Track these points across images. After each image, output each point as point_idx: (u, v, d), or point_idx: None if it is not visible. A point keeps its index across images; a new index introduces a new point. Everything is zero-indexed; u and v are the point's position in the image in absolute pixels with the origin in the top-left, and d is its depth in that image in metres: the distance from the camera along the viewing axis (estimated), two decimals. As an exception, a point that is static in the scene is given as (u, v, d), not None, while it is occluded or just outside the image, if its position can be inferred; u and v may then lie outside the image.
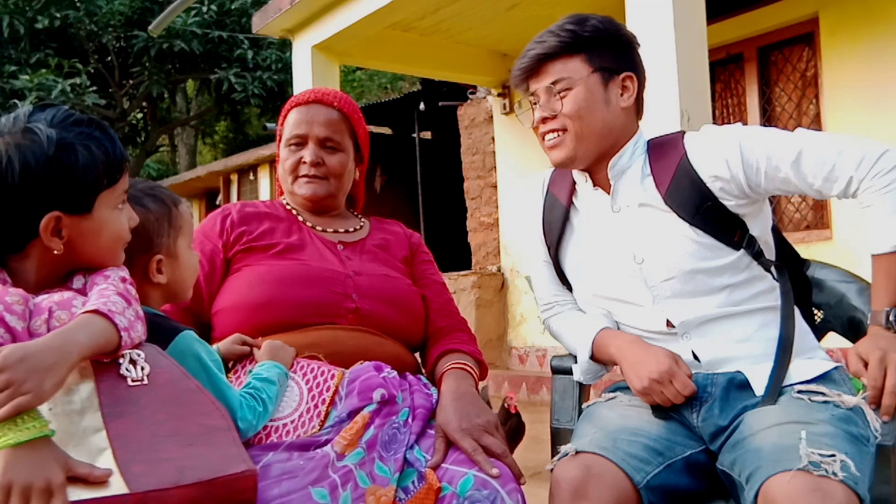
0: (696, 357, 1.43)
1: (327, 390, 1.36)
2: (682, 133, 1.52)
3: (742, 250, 1.43)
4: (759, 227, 1.46)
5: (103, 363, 1.01)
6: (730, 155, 1.40)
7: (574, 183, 1.60)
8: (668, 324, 1.45)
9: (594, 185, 1.55)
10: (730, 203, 1.42)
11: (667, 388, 1.37)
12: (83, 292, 1.11)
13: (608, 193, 1.52)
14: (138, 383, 1.01)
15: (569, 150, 1.49)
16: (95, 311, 1.01)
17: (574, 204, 1.59)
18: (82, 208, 1.09)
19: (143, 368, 1.03)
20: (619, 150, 1.50)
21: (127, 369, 1.02)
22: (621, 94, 1.49)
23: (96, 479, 0.92)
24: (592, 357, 1.52)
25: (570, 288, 1.64)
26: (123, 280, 1.13)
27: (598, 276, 1.53)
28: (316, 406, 1.34)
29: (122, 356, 1.02)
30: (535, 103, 1.52)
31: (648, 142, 1.55)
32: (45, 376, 0.90)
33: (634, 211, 1.49)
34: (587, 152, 1.49)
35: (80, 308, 1.04)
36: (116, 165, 1.13)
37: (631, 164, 1.51)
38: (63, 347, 0.94)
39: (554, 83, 1.47)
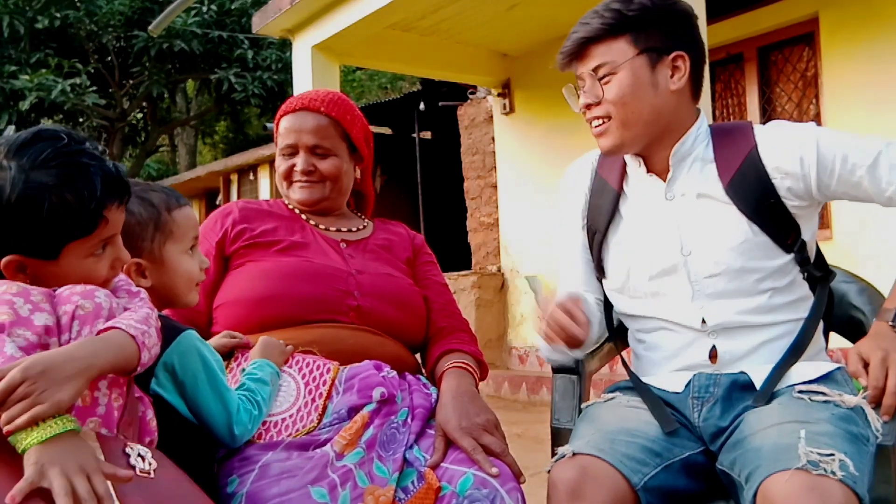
0: (712, 354, 1.41)
1: (324, 384, 1.36)
2: (751, 123, 1.46)
3: (792, 254, 1.39)
4: (810, 232, 1.43)
5: (113, 452, 1.00)
6: (805, 152, 1.36)
7: (625, 166, 1.53)
8: (703, 321, 1.42)
9: (647, 171, 1.49)
10: (791, 203, 1.38)
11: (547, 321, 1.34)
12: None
13: (663, 180, 1.46)
14: (145, 475, 1.00)
15: (615, 137, 1.42)
16: (123, 330, 1.01)
17: (624, 190, 1.53)
18: (46, 255, 1.05)
19: (150, 464, 1.02)
20: (678, 134, 1.43)
21: (136, 460, 1.01)
22: (671, 76, 1.40)
23: (123, 476, 0.93)
24: None
25: (600, 277, 1.57)
26: (142, 300, 1.12)
27: (638, 266, 1.48)
28: (314, 400, 1.34)
29: (132, 448, 1.02)
30: (582, 87, 1.45)
31: (711, 127, 1.48)
32: (64, 387, 0.92)
33: (690, 200, 1.44)
34: (635, 139, 1.42)
35: (101, 298, 1.04)
36: (91, 216, 1.05)
37: (693, 151, 1.44)
38: (86, 360, 0.95)
39: (596, 68, 1.40)
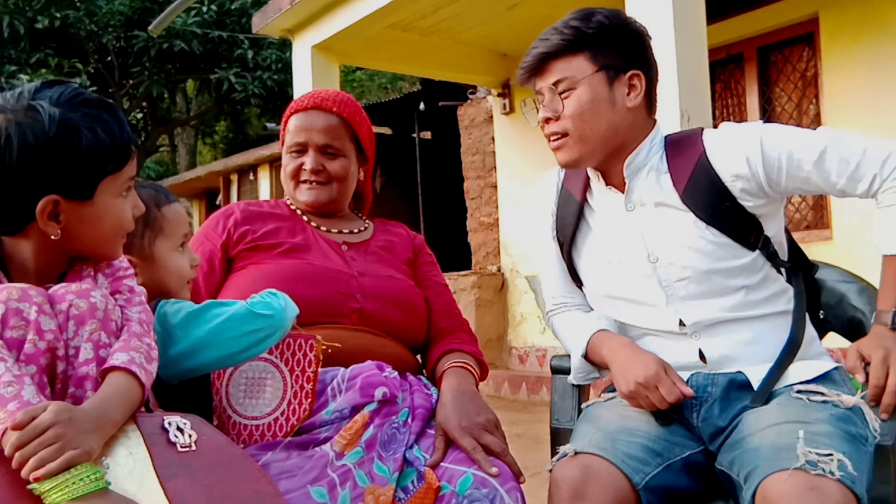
0: (701, 356, 1.43)
1: (309, 365, 1.35)
2: (701, 130, 1.48)
3: (757, 251, 1.41)
4: (774, 227, 1.45)
5: (152, 433, 1.01)
6: (751, 153, 1.38)
7: (588, 179, 1.56)
8: (681, 323, 1.44)
9: (606, 184, 1.51)
10: (748, 203, 1.40)
11: (652, 393, 1.35)
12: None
13: (622, 192, 1.49)
14: (187, 449, 1.02)
15: (572, 152, 1.45)
16: (127, 371, 1.01)
17: (588, 201, 1.56)
18: (83, 194, 1.05)
19: (190, 436, 1.03)
20: (634, 148, 1.46)
21: (175, 436, 1.02)
22: (628, 94, 1.44)
23: None
24: (586, 357, 1.51)
25: (580, 285, 1.61)
26: (140, 303, 1.12)
27: (610, 276, 1.51)
28: (302, 388, 1.34)
29: (170, 424, 1.03)
30: (541, 102, 1.48)
31: (666, 138, 1.51)
32: (90, 436, 0.93)
33: (650, 210, 1.46)
34: (592, 154, 1.46)
35: (97, 298, 1.03)
36: (122, 150, 1.07)
37: (647, 162, 1.47)
38: (101, 419, 0.96)
39: (556, 83, 1.43)
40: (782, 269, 1.46)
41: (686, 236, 1.42)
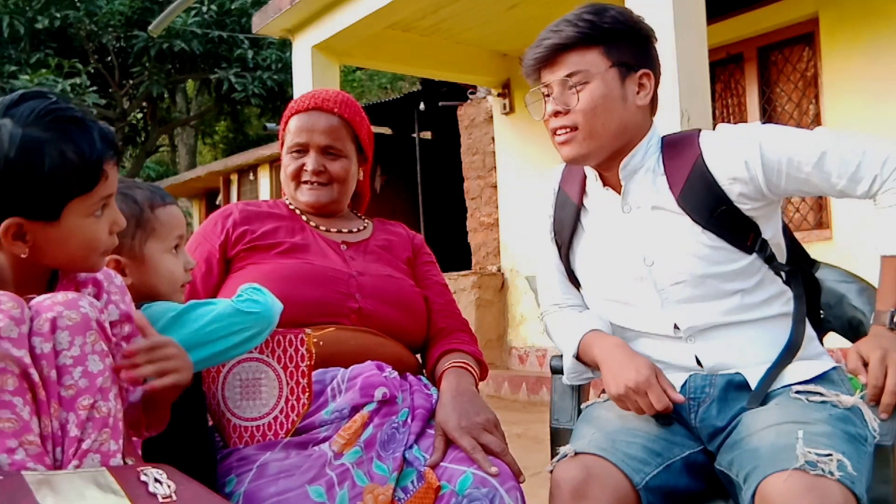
0: (698, 361, 1.42)
1: (302, 360, 1.35)
2: (699, 131, 1.46)
3: (754, 254, 1.40)
4: (772, 229, 1.43)
5: (131, 483, 0.99)
6: (749, 156, 1.36)
7: (585, 180, 1.55)
8: (675, 327, 1.43)
9: (604, 185, 1.50)
10: (745, 207, 1.38)
11: (641, 399, 1.33)
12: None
13: (618, 193, 1.48)
14: (168, 500, 1.00)
15: (581, 147, 1.43)
16: None
17: (584, 203, 1.55)
18: (48, 216, 1.01)
19: (168, 486, 1.01)
20: (632, 149, 1.44)
21: (155, 487, 1.00)
22: (638, 92, 1.43)
23: None
24: (578, 357, 1.50)
25: (579, 287, 1.60)
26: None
27: (606, 278, 1.50)
28: (298, 383, 1.34)
29: (146, 475, 1.01)
30: (547, 95, 1.44)
31: (663, 139, 1.49)
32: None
33: (646, 212, 1.45)
34: (600, 150, 1.43)
35: (86, 308, 1.02)
36: (92, 171, 1.02)
37: (643, 164, 1.45)
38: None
39: (569, 76, 1.40)
40: (781, 272, 1.45)
41: (682, 240, 1.40)
